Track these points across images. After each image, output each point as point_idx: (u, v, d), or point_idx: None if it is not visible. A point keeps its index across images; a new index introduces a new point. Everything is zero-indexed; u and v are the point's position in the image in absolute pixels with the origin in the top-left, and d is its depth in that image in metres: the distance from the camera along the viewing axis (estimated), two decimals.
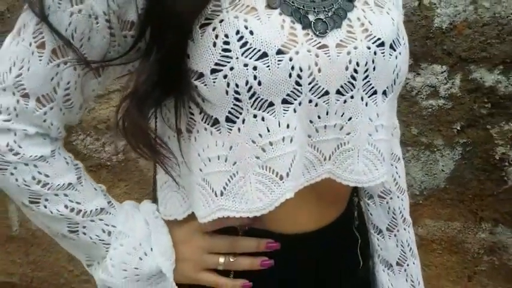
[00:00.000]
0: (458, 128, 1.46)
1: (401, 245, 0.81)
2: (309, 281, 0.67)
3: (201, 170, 0.60)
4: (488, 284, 1.57)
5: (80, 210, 0.63)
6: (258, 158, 0.57)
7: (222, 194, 0.59)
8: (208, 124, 0.58)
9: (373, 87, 0.60)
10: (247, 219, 0.62)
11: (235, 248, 0.64)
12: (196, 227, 0.64)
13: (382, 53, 0.59)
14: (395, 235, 0.81)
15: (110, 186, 1.69)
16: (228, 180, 0.58)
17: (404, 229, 0.81)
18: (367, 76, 0.59)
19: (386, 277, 0.80)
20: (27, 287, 1.89)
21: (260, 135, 0.56)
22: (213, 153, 0.58)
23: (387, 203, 0.80)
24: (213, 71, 0.54)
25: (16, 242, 1.83)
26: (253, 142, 0.57)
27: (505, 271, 1.55)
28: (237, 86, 0.54)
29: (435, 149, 1.49)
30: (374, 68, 0.59)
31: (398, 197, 0.81)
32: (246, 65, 0.54)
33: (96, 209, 0.64)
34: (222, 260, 0.64)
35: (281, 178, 0.57)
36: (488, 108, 1.44)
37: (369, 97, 0.60)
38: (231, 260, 0.64)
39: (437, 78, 1.44)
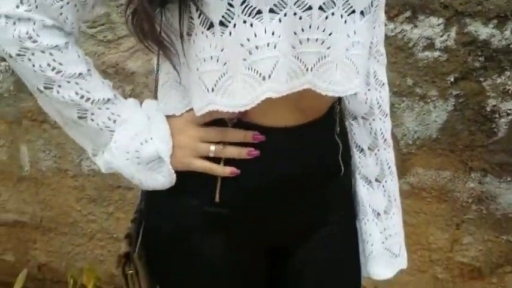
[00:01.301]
0: (452, 79, 1.51)
1: (381, 163, 0.88)
2: (294, 175, 0.74)
3: (197, 69, 0.68)
4: (475, 232, 1.64)
5: (89, 98, 0.70)
6: (244, 59, 0.65)
7: (213, 90, 0.67)
8: (204, 28, 0.65)
9: (351, 7, 0.67)
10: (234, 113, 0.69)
11: (225, 138, 0.72)
12: (191, 119, 0.72)
13: None
14: (375, 154, 0.87)
15: None
16: (219, 78, 0.66)
17: (385, 149, 0.88)
18: None
19: (366, 192, 0.87)
20: (36, 226, 1.98)
21: (248, 39, 0.64)
22: (207, 54, 0.66)
23: (370, 124, 0.86)
24: None
25: (27, 182, 1.92)
26: (242, 45, 0.64)
27: (491, 220, 1.61)
28: None
29: (429, 100, 1.54)
30: None
31: (380, 119, 0.87)
32: None
33: (104, 99, 0.71)
34: (213, 147, 0.71)
35: (263, 79, 0.65)
36: (481, 61, 1.48)
37: (348, 15, 0.67)
38: (221, 148, 0.71)
39: (434, 31, 1.49)
